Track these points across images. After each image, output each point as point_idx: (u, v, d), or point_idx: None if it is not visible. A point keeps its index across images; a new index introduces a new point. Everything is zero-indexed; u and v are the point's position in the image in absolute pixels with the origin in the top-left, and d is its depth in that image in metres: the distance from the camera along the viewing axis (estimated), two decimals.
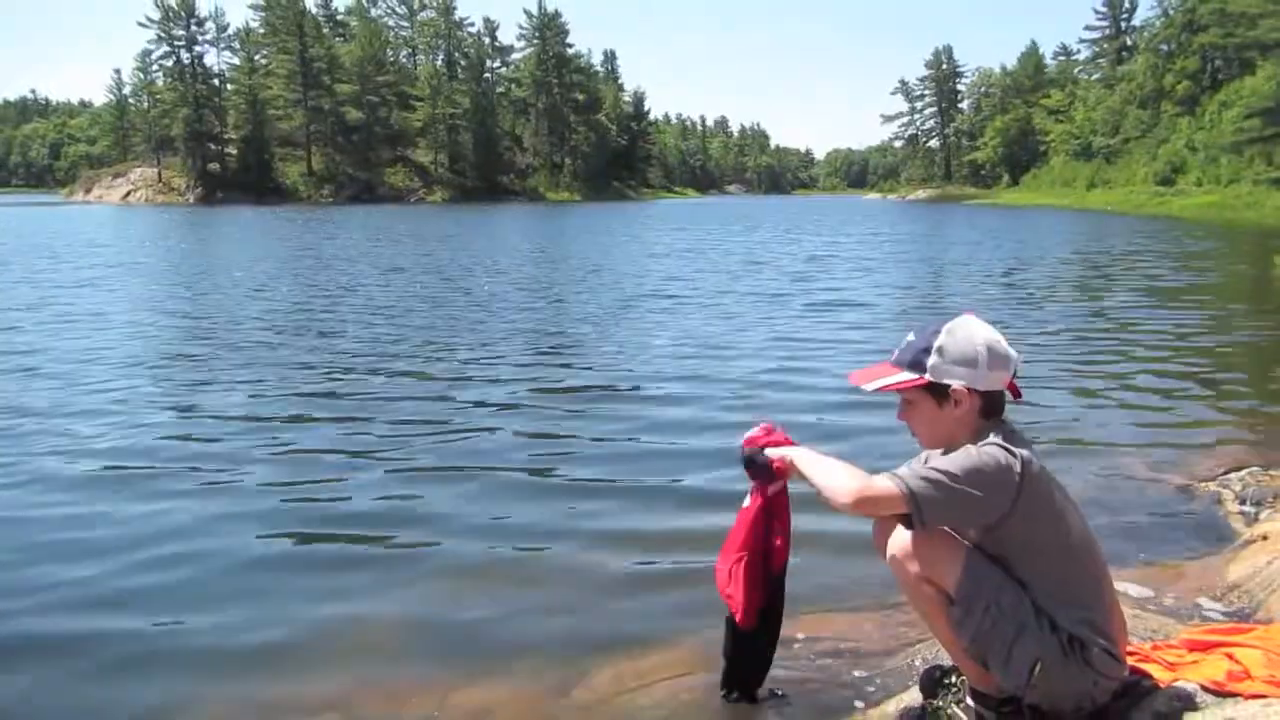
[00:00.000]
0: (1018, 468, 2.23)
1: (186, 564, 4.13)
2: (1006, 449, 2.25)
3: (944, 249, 25.57)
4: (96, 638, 3.46)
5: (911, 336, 2.43)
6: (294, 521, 4.65)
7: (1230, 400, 7.34)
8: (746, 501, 2.75)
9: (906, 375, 2.38)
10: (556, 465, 5.46)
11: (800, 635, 3.02)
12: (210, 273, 18.28)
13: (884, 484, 2.24)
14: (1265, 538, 3.96)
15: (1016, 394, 2.42)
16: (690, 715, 2.88)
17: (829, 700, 2.92)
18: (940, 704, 2.58)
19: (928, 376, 2.35)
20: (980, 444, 2.28)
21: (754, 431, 2.63)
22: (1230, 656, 2.52)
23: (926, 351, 2.36)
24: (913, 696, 2.75)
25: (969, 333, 2.36)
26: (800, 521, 2.85)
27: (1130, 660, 2.43)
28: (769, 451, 2.57)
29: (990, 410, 2.36)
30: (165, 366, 8.59)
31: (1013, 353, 2.37)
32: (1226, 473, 5.15)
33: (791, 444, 2.60)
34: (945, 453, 2.41)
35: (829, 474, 2.34)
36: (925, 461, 2.60)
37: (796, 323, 11.25)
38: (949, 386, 2.34)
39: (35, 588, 3.83)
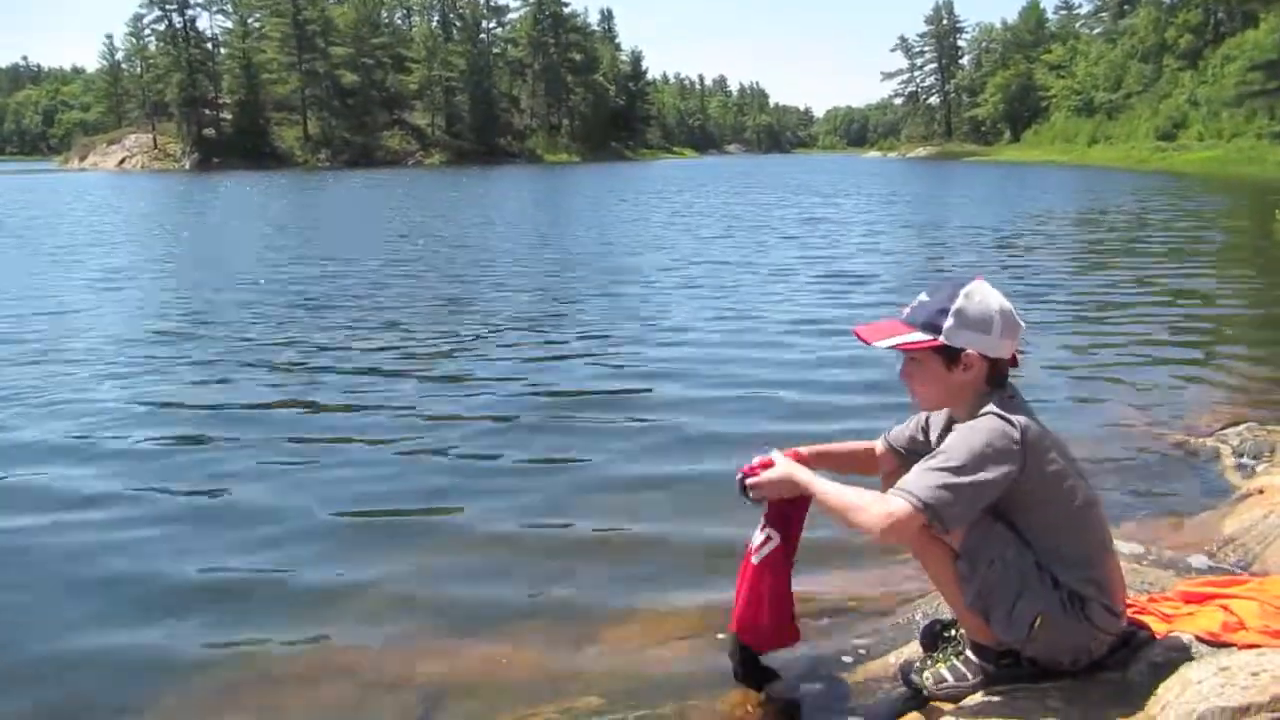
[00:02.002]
0: (1017, 435, 2.24)
1: (206, 532, 4.17)
2: (1004, 418, 2.26)
3: (949, 212, 25.42)
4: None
5: (924, 296, 2.41)
6: (300, 492, 4.69)
7: (1229, 356, 7.36)
8: (758, 539, 2.65)
9: (920, 335, 2.36)
10: (565, 441, 5.41)
11: (801, 590, 3.05)
12: (191, 248, 18.22)
13: (901, 508, 2.23)
14: (1261, 492, 3.99)
15: (1014, 362, 2.41)
16: (696, 675, 2.92)
17: (830, 654, 2.97)
18: (938, 655, 2.62)
19: (942, 339, 2.33)
20: (977, 418, 2.29)
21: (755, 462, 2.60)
22: (1225, 608, 2.55)
23: (943, 313, 2.33)
24: (913, 650, 2.79)
25: (985, 297, 2.34)
26: None
27: (1128, 612, 2.47)
28: (769, 475, 2.55)
29: (995, 378, 2.36)
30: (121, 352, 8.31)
31: (1022, 323, 2.37)
32: (1224, 428, 5.16)
33: (801, 460, 2.60)
34: (943, 429, 2.44)
35: (850, 506, 2.32)
36: (921, 426, 2.63)
37: (813, 299, 10.49)
38: (961, 350, 2.32)
39: None
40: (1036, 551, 2.31)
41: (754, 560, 2.66)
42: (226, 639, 3.28)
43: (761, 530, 2.66)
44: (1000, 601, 2.31)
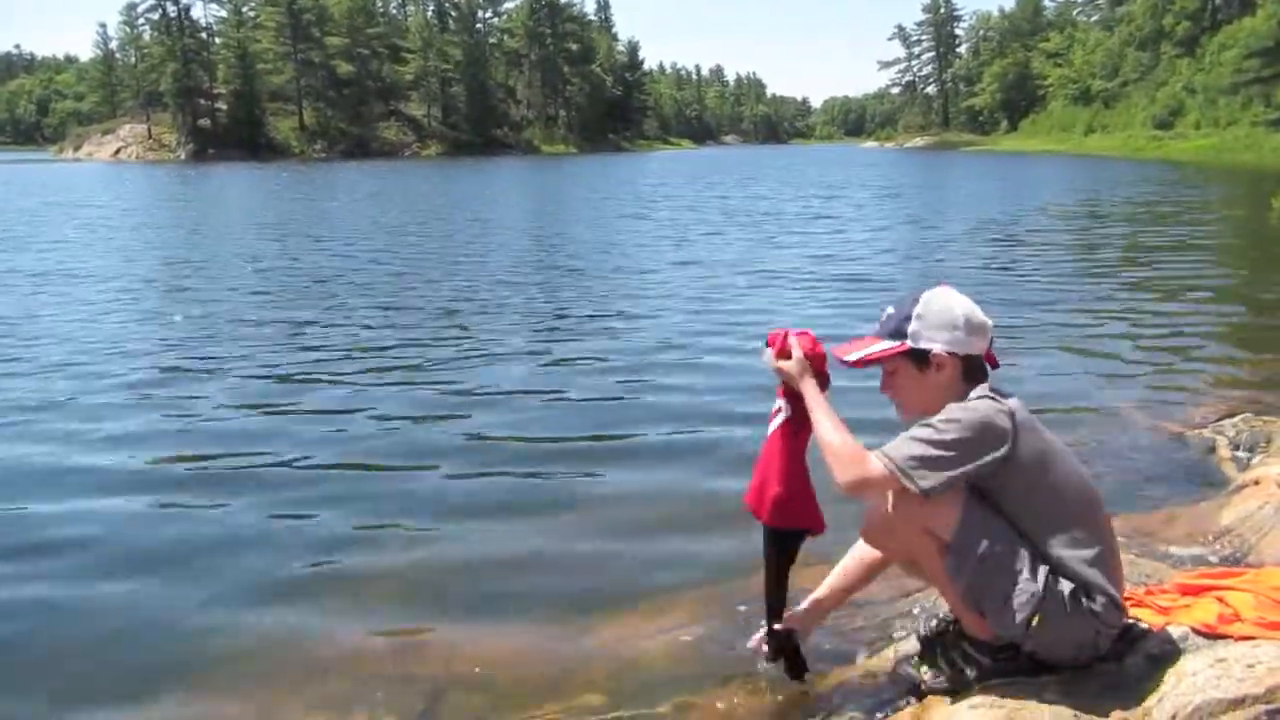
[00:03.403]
0: (1007, 414, 2.28)
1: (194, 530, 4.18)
2: (993, 398, 2.32)
3: (949, 207, 25.34)
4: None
5: (890, 309, 2.48)
6: (298, 493, 4.72)
7: (1224, 346, 7.38)
8: (774, 408, 2.61)
9: (887, 344, 2.43)
10: (564, 443, 5.39)
11: (799, 587, 3.06)
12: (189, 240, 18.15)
13: (875, 470, 2.29)
14: (1257, 482, 3.99)
15: (994, 364, 2.46)
16: (693, 665, 2.94)
17: (828, 650, 2.97)
18: (936, 649, 2.63)
19: (908, 343, 2.40)
20: (966, 400, 2.34)
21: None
22: (1221, 600, 2.57)
23: (907, 319, 2.41)
24: (911, 645, 2.80)
25: (945, 301, 2.42)
26: None
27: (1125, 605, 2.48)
28: (785, 366, 2.52)
29: (972, 374, 2.40)
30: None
31: (989, 322, 2.44)
32: (1220, 419, 5.18)
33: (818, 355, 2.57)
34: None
35: (832, 450, 2.35)
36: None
37: (817, 302, 10.13)
38: (929, 351, 2.38)
39: None
40: (1036, 544, 2.32)
41: (768, 429, 2.66)
42: (228, 637, 3.29)
43: (777, 399, 2.64)
44: (992, 598, 2.32)
